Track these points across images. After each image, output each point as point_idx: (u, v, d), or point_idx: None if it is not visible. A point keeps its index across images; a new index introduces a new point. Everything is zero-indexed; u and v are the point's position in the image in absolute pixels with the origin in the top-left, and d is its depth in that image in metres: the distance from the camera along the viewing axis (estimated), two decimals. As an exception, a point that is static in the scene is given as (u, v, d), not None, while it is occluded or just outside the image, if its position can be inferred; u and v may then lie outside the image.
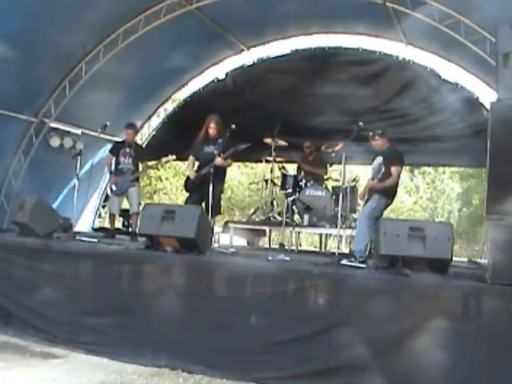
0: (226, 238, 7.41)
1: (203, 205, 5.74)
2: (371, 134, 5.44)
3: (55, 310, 4.30)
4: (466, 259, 7.33)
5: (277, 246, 8.32)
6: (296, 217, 7.39)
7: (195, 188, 6.01)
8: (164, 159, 6.63)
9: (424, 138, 7.85)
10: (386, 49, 8.10)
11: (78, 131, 8.23)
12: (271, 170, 7.59)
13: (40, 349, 4.10)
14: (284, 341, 3.71)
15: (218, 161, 5.77)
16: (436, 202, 15.05)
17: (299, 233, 7.56)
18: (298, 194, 7.09)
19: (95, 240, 5.44)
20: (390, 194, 5.38)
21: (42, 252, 4.61)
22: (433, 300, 3.51)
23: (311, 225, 7.02)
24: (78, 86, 7.68)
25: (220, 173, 5.90)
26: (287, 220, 6.94)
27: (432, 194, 15.26)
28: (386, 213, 5.72)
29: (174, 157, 6.62)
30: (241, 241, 8.07)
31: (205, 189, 5.70)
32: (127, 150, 6.76)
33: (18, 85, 6.87)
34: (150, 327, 4.04)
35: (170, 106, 10.22)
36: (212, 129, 6.01)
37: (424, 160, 8.75)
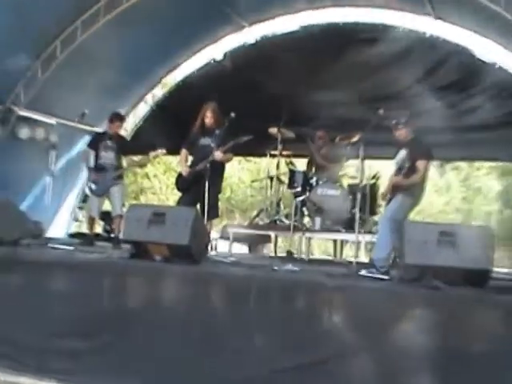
0: (225, 245, 7.41)
1: (198, 206, 5.71)
2: (394, 122, 5.44)
3: (22, 331, 4.25)
4: (509, 270, 7.28)
5: (284, 255, 8.29)
6: (306, 220, 7.38)
7: (189, 186, 6.00)
8: (152, 153, 6.62)
9: (456, 127, 7.79)
10: (410, 24, 8.07)
11: (52, 121, 8.21)
12: (277, 166, 7.60)
13: (4, 378, 4.06)
14: (292, 367, 3.66)
15: (216, 155, 5.75)
16: (471, 202, 14.98)
17: (310, 239, 7.55)
18: (308, 194, 7.08)
19: (71, 248, 5.45)
20: (416, 192, 5.36)
21: (8, 262, 4.56)
22: (470, 319, 3.45)
23: (324, 229, 7.02)
24: (51, 69, 7.67)
25: (218, 169, 5.89)
26: (296, 224, 6.92)
27: (466, 192, 15.20)
28: (411, 215, 5.68)
29: (163, 151, 6.61)
30: (242, 248, 8.06)
31: (200, 187, 5.69)
32: (109, 142, 6.74)
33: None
34: (135, 351, 3.99)
35: (159, 92, 10.21)
36: (208, 118, 6.01)
37: (456, 153, 8.74)
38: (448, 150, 8.02)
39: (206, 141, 6.01)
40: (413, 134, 5.48)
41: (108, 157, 6.73)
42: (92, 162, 6.87)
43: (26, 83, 7.76)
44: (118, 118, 6.90)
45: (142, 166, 7.38)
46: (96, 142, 6.87)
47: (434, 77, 7.91)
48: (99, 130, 7.88)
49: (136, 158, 7.08)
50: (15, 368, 4.11)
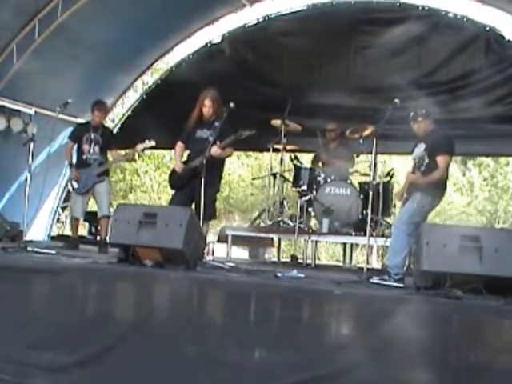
0: (223, 249, 7.43)
1: (193, 206, 5.74)
2: (412, 114, 5.42)
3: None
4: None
5: (288, 260, 8.33)
6: (313, 222, 7.40)
7: (183, 184, 6.01)
8: (140, 146, 6.66)
9: (481, 118, 7.80)
10: (431, 3, 8.09)
11: (31, 110, 8.24)
12: (280, 162, 7.61)
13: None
14: (297, 382, 3.70)
15: (215, 150, 5.76)
16: (497, 202, 14.95)
17: (317, 242, 7.57)
18: (315, 193, 7.10)
19: (53, 252, 5.45)
20: (436, 191, 5.36)
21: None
22: (495, 332, 3.49)
23: (332, 232, 7.04)
24: (29, 51, 7.67)
25: (216, 165, 5.89)
26: (301, 226, 6.94)
27: (491, 192, 15.18)
28: (430, 216, 5.70)
29: (152, 143, 6.64)
30: (241, 252, 8.08)
31: (195, 185, 5.69)
32: (92, 135, 6.77)
33: None
34: (122, 365, 4.03)
35: (150, 79, 10.24)
36: (207, 108, 6.00)
37: (480, 148, 8.72)
38: (471, 144, 8.01)
39: (203, 133, 6.00)
40: (434, 125, 5.48)
41: (92, 151, 6.75)
42: (74, 157, 6.92)
43: (0, 68, 7.76)
44: (100, 107, 6.85)
45: (129, 160, 7.40)
46: (78, 134, 6.89)
47: (457, 62, 7.93)
48: (82, 120, 7.90)
49: (123, 152, 7.11)
50: (-9, 383, 4.17)
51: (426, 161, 5.34)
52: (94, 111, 6.80)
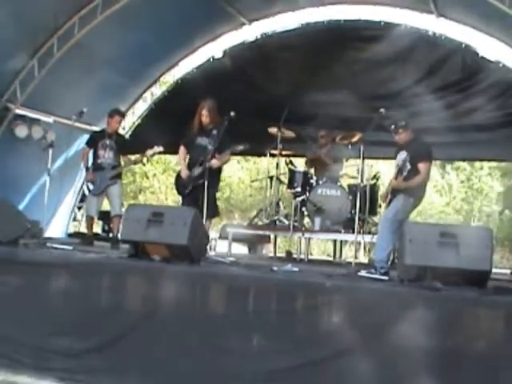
0: (224, 245, 7.43)
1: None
2: (393, 126, 5.37)
3: (21, 330, 4.27)
4: (508, 271, 7.31)
5: (283, 255, 8.33)
6: (306, 220, 7.41)
7: (188, 191, 6.03)
8: (149, 151, 6.65)
9: (458, 127, 7.82)
10: (412, 22, 8.12)
11: (50, 119, 8.23)
12: (277, 166, 7.61)
13: (2, 377, 4.09)
14: (292, 367, 3.70)
15: (215, 163, 5.80)
16: (472, 202, 14.99)
17: (309, 239, 7.57)
18: (308, 194, 7.10)
19: (70, 247, 5.45)
20: (417, 193, 5.37)
21: (6, 262, 4.58)
22: (470, 319, 3.49)
23: (324, 230, 7.04)
24: (48, 66, 7.67)
25: (215, 170, 5.93)
26: (295, 224, 6.95)
27: (467, 193, 15.21)
28: (412, 216, 5.71)
29: (160, 148, 6.64)
30: (241, 248, 8.08)
31: (199, 189, 5.74)
32: (107, 141, 6.76)
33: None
34: (133, 351, 4.02)
35: (158, 90, 10.24)
36: (205, 117, 6.02)
37: (458, 154, 8.76)
38: (449, 150, 8.02)
39: (202, 141, 6.02)
40: (413, 134, 5.46)
41: (106, 156, 6.74)
42: (90, 162, 6.92)
43: (23, 81, 7.75)
44: (118, 113, 6.89)
45: (136, 163, 7.39)
46: (94, 140, 6.89)
47: (436, 75, 7.94)
48: (97, 128, 7.91)
49: (133, 157, 7.11)
50: (14, 367, 4.16)
51: (408, 167, 5.33)
52: (114, 117, 6.78)
